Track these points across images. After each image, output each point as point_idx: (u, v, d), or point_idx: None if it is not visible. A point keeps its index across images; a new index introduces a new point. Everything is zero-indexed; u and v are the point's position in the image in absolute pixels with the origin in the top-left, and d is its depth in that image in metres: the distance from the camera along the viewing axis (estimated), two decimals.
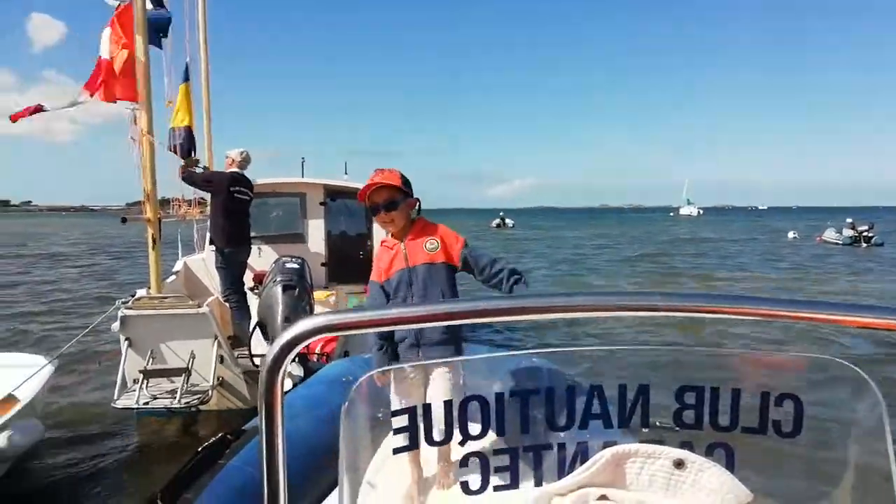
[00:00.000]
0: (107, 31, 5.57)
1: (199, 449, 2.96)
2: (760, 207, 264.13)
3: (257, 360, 5.46)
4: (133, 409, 5.25)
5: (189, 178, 6.99)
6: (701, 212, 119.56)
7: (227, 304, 7.00)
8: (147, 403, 5.23)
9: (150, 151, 5.81)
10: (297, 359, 5.33)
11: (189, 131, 8.16)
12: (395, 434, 1.23)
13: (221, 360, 5.61)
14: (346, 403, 1.14)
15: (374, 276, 3.22)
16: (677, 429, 1.20)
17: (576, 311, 0.99)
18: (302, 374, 4.97)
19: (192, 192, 8.59)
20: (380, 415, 1.29)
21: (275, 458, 0.95)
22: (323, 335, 0.93)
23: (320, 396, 3.42)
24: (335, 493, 3.11)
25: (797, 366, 1.28)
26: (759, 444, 1.14)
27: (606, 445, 1.22)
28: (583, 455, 1.26)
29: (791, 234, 40.86)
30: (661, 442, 1.17)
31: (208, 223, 7.55)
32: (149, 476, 5.07)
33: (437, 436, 1.24)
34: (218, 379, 5.59)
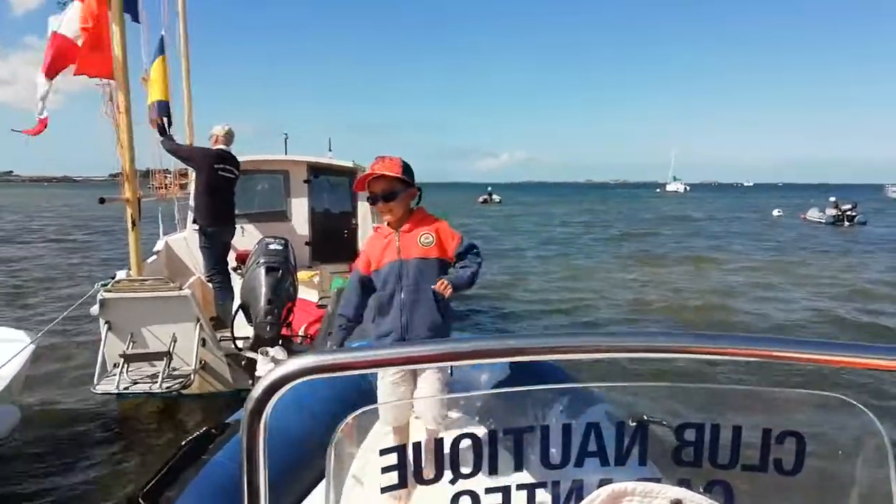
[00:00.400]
0: (76, 5, 5.33)
1: (183, 444, 2.90)
2: (746, 184, 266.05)
3: (240, 343, 5.39)
4: (113, 394, 5.18)
5: (172, 148, 6.82)
6: (688, 188, 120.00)
7: (209, 285, 6.90)
8: (127, 388, 5.15)
9: (127, 129, 5.65)
10: (280, 341, 5.28)
11: (165, 105, 7.96)
12: (383, 473, 1.20)
13: (203, 343, 5.53)
14: (334, 443, 1.10)
15: (359, 265, 3.17)
16: (676, 466, 1.17)
17: (582, 352, 0.95)
18: (286, 358, 4.90)
19: (173, 164, 8.43)
20: (369, 453, 1.25)
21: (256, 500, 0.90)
22: (311, 377, 0.88)
23: (306, 390, 3.35)
24: (319, 487, 3.11)
25: (800, 402, 1.25)
26: (759, 482, 1.12)
27: (602, 484, 1.19)
28: (578, 494, 1.23)
29: (776, 212, 41.22)
30: (658, 480, 1.13)
31: (190, 201, 7.41)
32: (129, 462, 5.02)
33: (428, 474, 1.21)
34: (200, 362, 5.51)
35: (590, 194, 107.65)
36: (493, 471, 1.21)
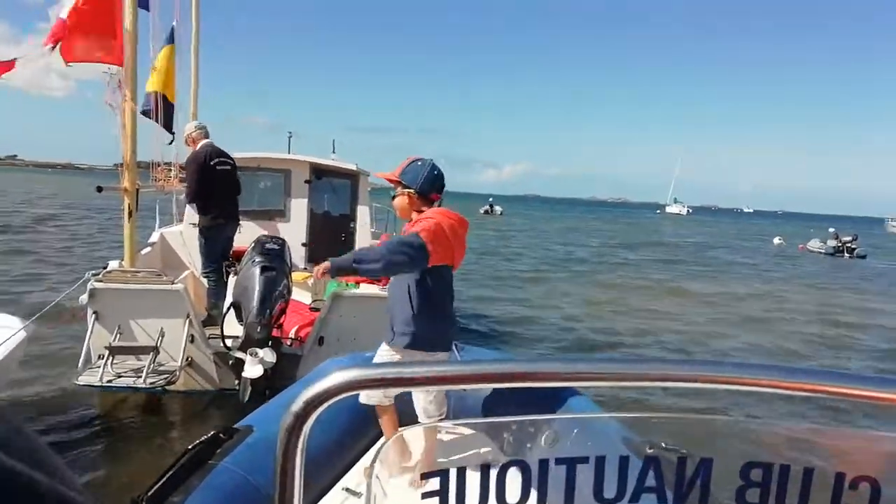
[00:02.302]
0: None
1: (189, 447, 2.82)
2: (746, 210, 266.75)
3: (229, 342, 5.30)
4: (95, 386, 5.07)
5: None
6: (690, 211, 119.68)
7: (203, 281, 6.80)
8: (110, 381, 5.03)
9: (132, 119, 5.59)
10: (270, 343, 5.18)
11: (164, 100, 7.88)
12: (423, 499, 1.11)
13: (192, 339, 5.43)
14: (377, 461, 1.06)
15: None
16: None
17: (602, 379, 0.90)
18: (274, 360, 4.81)
19: (174, 157, 8.36)
20: (408, 476, 1.19)
21: None
22: (357, 391, 0.82)
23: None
24: (331, 494, 3.04)
25: (879, 445, 1.17)
26: None
27: None
28: None
29: (777, 241, 41.19)
30: None
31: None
32: (104, 457, 4.90)
33: (472, 502, 1.12)
34: (187, 359, 5.42)
35: (591, 212, 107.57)
36: (542, 501, 1.13)
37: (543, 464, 1.14)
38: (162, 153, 8.10)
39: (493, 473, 1.13)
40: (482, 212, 59.70)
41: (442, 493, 1.12)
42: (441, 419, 3.27)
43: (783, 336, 11.56)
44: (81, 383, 5.07)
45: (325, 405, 0.80)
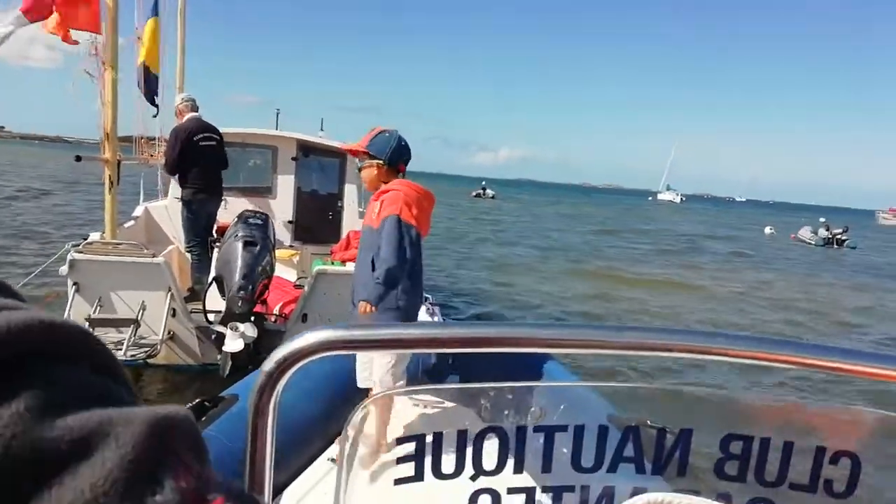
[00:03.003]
0: None
1: None
2: (738, 199, 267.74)
3: (211, 316, 5.26)
4: None
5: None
6: (683, 199, 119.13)
7: (187, 255, 6.75)
8: None
9: (112, 87, 5.48)
10: (252, 318, 5.15)
11: (150, 74, 7.75)
12: (398, 463, 1.10)
13: (174, 313, 5.39)
14: (349, 427, 1.03)
15: None
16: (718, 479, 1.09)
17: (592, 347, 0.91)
18: (256, 335, 4.78)
19: (159, 131, 8.26)
20: (383, 441, 1.19)
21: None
22: (332, 352, 0.81)
23: (304, 368, 3.27)
24: (316, 463, 3.07)
25: (862, 422, 1.18)
26: (806, 503, 1.04)
27: (636, 492, 1.10)
28: (608, 500, 1.15)
29: (768, 230, 41.33)
30: (697, 492, 1.04)
31: None
32: None
33: (447, 468, 1.11)
34: (169, 333, 5.38)
35: (584, 198, 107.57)
36: (518, 470, 1.12)
37: (521, 431, 1.13)
38: (146, 126, 7.99)
39: (470, 439, 1.13)
40: (473, 195, 59.41)
41: (417, 457, 1.11)
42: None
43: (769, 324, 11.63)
44: None
45: (298, 365, 0.79)
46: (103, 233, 5.79)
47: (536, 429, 1.14)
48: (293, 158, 8.59)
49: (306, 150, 8.66)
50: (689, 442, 1.12)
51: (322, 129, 10.39)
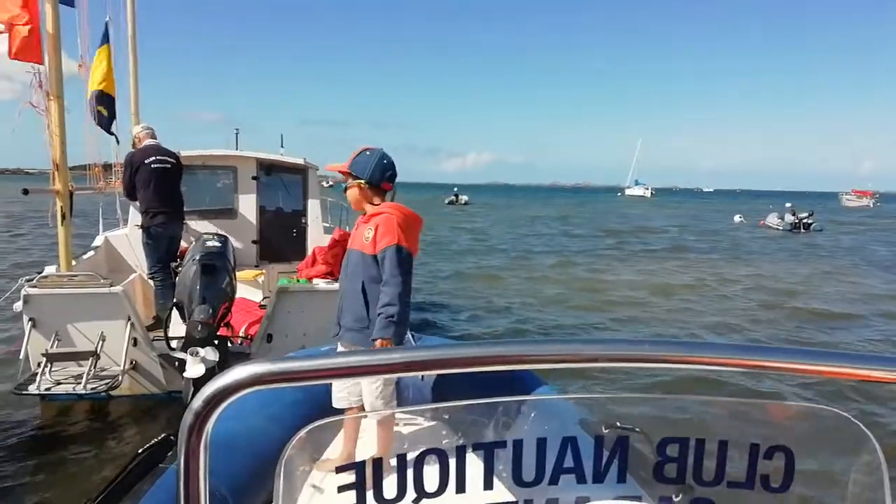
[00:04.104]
0: None
1: (140, 451, 2.75)
2: (706, 190, 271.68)
3: (175, 343, 5.18)
4: (34, 394, 4.92)
5: (125, 189, 6.49)
6: (654, 193, 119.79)
7: (150, 283, 6.65)
8: (49, 389, 4.89)
9: (59, 116, 5.38)
10: (216, 342, 5.08)
11: (107, 97, 7.67)
12: (339, 492, 1.09)
13: (135, 342, 5.30)
14: (284, 460, 1.00)
15: None
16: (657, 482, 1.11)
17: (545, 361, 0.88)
18: (217, 359, 4.71)
19: (114, 157, 8.17)
20: (323, 471, 1.16)
21: None
22: (260, 387, 0.78)
23: (273, 392, 3.23)
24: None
25: (790, 416, 1.20)
26: (744, 500, 1.07)
27: (580, 502, 1.12)
28: None
29: (737, 218, 41.94)
30: (639, 498, 1.08)
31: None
32: (51, 471, 4.75)
33: (389, 493, 1.11)
34: (131, 363, 5.29)
35: (556, 198, 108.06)
36: (460, 489, 1.12)
37: (461, 450, 1.14)
38: (100, 154, 7.88)
39: (410, 462, 1.13)
40: (447, 202, 59.70)
41: (358, 485, 1.10)
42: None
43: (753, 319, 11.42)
44: (20, 392, 4.92)
45: (227, 402, 0.76)
46: (58, 266, 5.68)
47: (475, 447, 1.15)
48: (254, 178, 8.53)
49: (267, 168, 8.61)
50: (626, 448, 1.14)
51: (282, 147, 10.34)
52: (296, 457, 1.03)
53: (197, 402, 0.75)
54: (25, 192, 5.64)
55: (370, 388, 3.14)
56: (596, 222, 38.78)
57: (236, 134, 10.13)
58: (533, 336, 9.56)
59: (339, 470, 1.12)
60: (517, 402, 2.10)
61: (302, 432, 1.06)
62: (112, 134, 8.16)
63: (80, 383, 4.89)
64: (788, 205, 36.94)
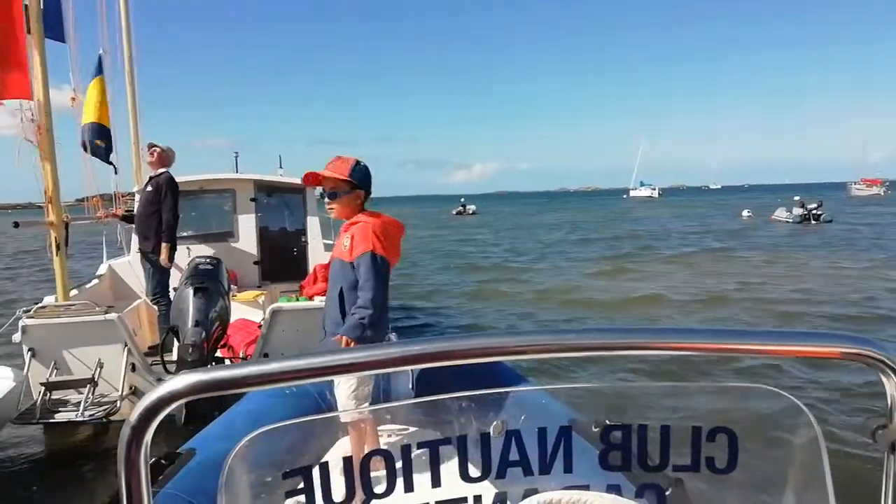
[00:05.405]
0: None
1: None
2: (713, 187, 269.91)
3: (172, 367, 5.24)
4: (33, 423, 5.00)
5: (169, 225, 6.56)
6: (661, 193, 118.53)
7: (154, 308, 6.74)
8: (47, 418, 4.98)
9: (50, 149, 5.48)
10: (213, 363, 5.14)
11: (102, 129, 7.81)
12: (286, 498, 1.11)
13: (133, 368, 5.37)
14: (225, 471, 0.99)
15: None
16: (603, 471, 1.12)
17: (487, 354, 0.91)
18: None
19: (113, 187, 8.30)
20: (269, 479, 1.19)
21: None
22: (198, 395, 0.79)
23: (265, 410, 3.26)
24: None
25: (725, 395, 1.23)
26: (692, 483, 1.08)
27: (528, 494, 1.11)
28: None
29: (745, 213, 41.63)
30: (586, 487, 1.07)
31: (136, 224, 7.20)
32: (59, 490, 4.82)
33: (338, 496, 1.12)
34: (130, 388, 5.35)
35: (563, 203, 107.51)
36: (408, 488, 1.14)
37: (406, 449, 1.16)
38: (97, 184, 8.00)
39: (357, 464, 1.14)
40: (454, 213, 59.95)
41: (307, 489, 1.11)
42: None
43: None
44: (20, 421, 5.01)
45: (163, 414, 0.77)
46: (56, 297, 5.77)
47: (420, 445, 1.16)
48: (252, 199, 8.63)
49: (265, 189, 8.72)
50: (570, 438, 1.15)
51: (281, 167, 10.45)
52: (237, 467, 1.03)
53: (133, 415, 0.76)
54: (16, 224, 5.73)
55: (344, 388, 3.22)
56: (610, 227, 37.90)
57: (236, 157, 10.28)
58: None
59: (286, 476, 1.12)
60: (459, 398, 2.12)
61: (245, 439, 1.06)
62: (110, 163, 8.29)
63: (78, 410, 4.96)
64: (796, 197, 36.63)
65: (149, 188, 6.66)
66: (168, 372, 5.13)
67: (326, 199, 3.32)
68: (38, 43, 5.33)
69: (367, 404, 3.31)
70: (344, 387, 3.22)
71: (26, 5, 5.25)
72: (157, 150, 6.84)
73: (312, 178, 3.36)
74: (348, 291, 3.23)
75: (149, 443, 0.77)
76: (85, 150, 7.32)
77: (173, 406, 0.78)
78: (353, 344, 3.11)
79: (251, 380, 0.83)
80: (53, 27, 6.11)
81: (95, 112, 7.91)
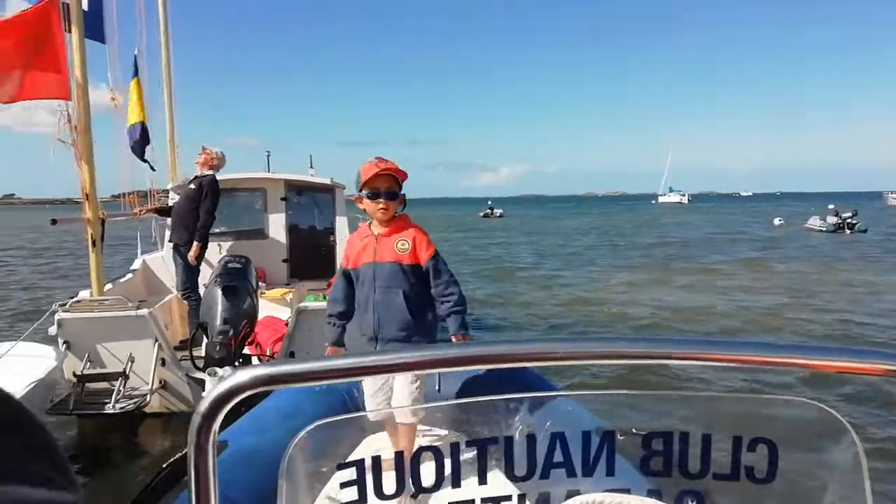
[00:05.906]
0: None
1: (164, 465, 2.85)
2: (744, 193, 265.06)
3: (200, 363, 5.34)
4: (66, 414, 5.13)
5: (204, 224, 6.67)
6: (691, 199, 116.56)
7: (185, 303, 6.87)
8: (80, 409, 5.11)
9: (87, 147, 5.62)
10: (240, 361, 5.22)
11: (142, 128, 7.99)
12: (342, 488, 1.16)
13: (163, 362, 5.49)
14: (286, 459, 1.04)
15: (343, 262, 3.38)
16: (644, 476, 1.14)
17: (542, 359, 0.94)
18: None
19: (148, 184, 8.49)
20: (324, 469, 1.23)
21: None
22: (264, 388, 0.83)
23: (293, 406, 3.30)
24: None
25: (770, 408, 1.23)
26: (731, 492, 1.09)
27: (570, 495, 1.13)
28: None
29: (777, 221, 40.89)
30: (627, 491, 1.09)
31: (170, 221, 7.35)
32: (91, 479, 4.93)
33: (388, 489, 1.18)
34: (160, 382, 5.47)
35: (589, 207, 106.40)
36: (456, 484, 1.18)
37: (455, 447, 1.18)
38: (133, 182, 8.18)
39: (408, 459, 1.19)
40: (482, 215, 60.14)
41: (359, 481, 1.17)
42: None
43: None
44: (54, 412, 5.14)
45: (231, 404, 0.81)
46: (91, 291, 5.91)
47: (469, 443, 1.20)
48: (282, 199, 8.74)
49: (295, 188, 8.82)
50: (612, 442, 1.18)
51: (311, 167, 10.55)
52: (297, 457, 1.07)
53: (203, 405, 0.80)
54: (54, 222, 5.88)
55: (408, 388, 3.15)
56: (642, 233, 37.08)
57: (267, 156, 10.41)
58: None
59: (341, 467, 1.18)
60: (508, 399, 2.14)
61: (303, 432, 1.10)
62: (146, 161, 8.46)
63: (109, 402, 5.09)
64: (831, 206, 35.84)
65: (191, 186, 6.80)
66: (196, 367, 5.24)
67: (382, 199, 3.15)
68: (78, 44, 5.46)
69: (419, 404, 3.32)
70: (408, 385, 3.20)
71: (66, 4, 5.38)
72: (207, 153, 6.96)
73: (369, 179, 3.19)
74: (412, 294, 3.19)
75: (216, 430, 0.81)
76: (133, 152, 7.51)
77: (239, 398, 0.82)
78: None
79: (313, 374, 0.87)
80: (93, 28, 6.26)
81: (139, 114, 8.11)
